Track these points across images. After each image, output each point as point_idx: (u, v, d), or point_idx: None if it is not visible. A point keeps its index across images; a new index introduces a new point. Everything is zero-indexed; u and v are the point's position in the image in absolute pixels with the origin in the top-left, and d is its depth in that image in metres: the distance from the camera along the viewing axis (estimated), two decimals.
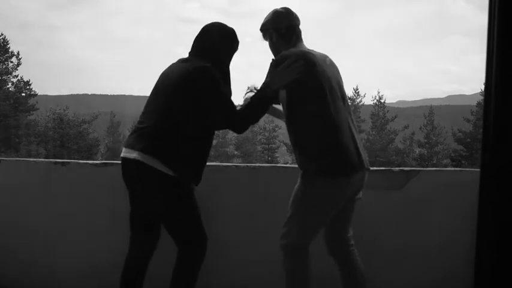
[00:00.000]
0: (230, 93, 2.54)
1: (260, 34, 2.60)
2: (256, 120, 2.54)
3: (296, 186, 2.41)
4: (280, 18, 2.50)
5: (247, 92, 2.70)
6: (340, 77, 2.53)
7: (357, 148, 2.38)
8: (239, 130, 2.53)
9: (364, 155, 2.42)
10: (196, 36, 2.57)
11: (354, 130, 2.43)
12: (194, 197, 2.46)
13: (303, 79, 2.35)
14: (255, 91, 2.62)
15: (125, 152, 2.45)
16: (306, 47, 2.49)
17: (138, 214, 2.54)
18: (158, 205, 2.43)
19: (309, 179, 2.35)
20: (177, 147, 2.37)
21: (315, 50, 2.51)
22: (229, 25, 2.59)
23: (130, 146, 2.42)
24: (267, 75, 2.45)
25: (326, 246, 2.51)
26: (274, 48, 2.55)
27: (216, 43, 2.52)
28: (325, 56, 2.51)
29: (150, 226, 2.55)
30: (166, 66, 2.59)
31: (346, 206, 2.43)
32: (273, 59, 2.46)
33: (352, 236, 2.51)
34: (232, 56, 2.60)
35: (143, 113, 2.51)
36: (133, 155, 2.38)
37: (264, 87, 2.46)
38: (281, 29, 2.49)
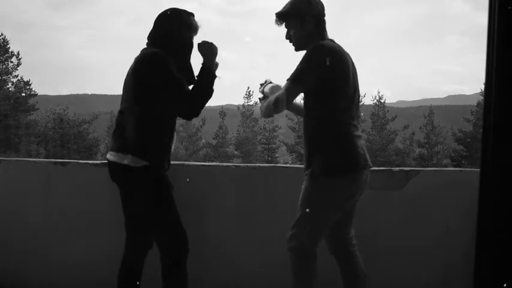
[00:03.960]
0: (188, 77, 2.52)
1: (275, 18, 2.43)
2: (204, 104, 2.51)
3: (303, 187, 2.39)
4: (317, 4, 2.39)
5: (265, 85, 2.62)
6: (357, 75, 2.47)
7: (362, 147, 2.38)
8: (188, 118, 2.55)
9: (367, 153, 2.43)
10: (153, 25, 2.56)
11: (359, 127, 2.43)
12: (171, 193, 2.47)
13: (332, 74, 2.30)
14: (271, 83, 2.60)
15: (107, 156, 2.52)
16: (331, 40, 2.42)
17: (127, 213, 2.55)
18: (138, 203, 2.46)
19: (316, 180, 2.34)
20: (145, 137, 2.42)
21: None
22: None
23: (110, 148, 2.52)
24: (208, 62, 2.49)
25: (327, 246, 2.51)
26: (305, 36, 2.38)
27: (166, 26, 2.51)
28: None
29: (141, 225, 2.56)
30: None
31: (352, 206, 2.44)
32: (315, 46, 2.30)
33: (354, 237, 2.51)
34: (185, 37, 2.54)
35: (117, 112, 2.56)
36: (112, 157, 2.46)
37: (207, 70, 2.48)
38: (319, 16, 2.39)
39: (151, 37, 2.54)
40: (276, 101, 2.37)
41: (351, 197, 2.38)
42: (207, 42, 2.52)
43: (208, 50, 2.52)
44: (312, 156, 2.37)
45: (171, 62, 2.41)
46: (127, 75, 2.51)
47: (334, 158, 2.32)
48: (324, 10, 2.43)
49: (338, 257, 2.51)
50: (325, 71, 2.28)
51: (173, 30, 2.51)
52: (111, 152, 2.47)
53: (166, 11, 2.55)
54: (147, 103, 2.41)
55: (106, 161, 2.55)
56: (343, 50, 2.38)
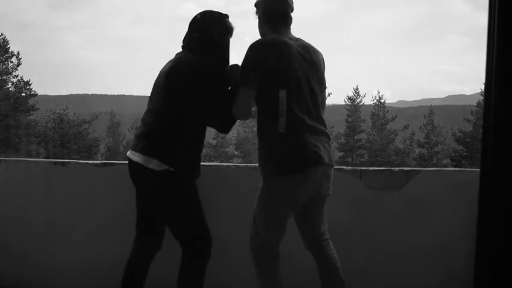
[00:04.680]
0: (229, 84, 2.47)
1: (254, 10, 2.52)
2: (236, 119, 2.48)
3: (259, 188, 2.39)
4: (272, 0, 2.42)
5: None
6: (317, 69, 2.40)
7: (315, 144, 2.28)
8: (225, 131, 2.50)
9: (326, 151, 2.32)
10: (188, 29, 2.52)
11: (316, 124, 2.32)
12: (198, 196, 2.46)
13: (271, 68, 2.28)
14: None
15: (128, 153, 2.47)
16: (289, 35, 2.40)
17: (142, 214, 2.55)
18: (161, 206, 2.44)
19: (266, 179, 2.32)
20: (174, 143, 2.38)
21: (303, 39, 2.43)
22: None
23: (133, 147, 2.45)
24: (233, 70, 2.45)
25: (303, 242, 2.50)
26: (259, 28, 2.49)
27: (204, 30, 2.46)
28: (306, 47, 2.40)
29: (153, 227, 2.55)
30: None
31: (312, 202, 2.39)
32: (250, 44, 2.34)
33: (326, 231, 2.47)
34: (223, 40, 2.50)
35: (144, 112, 2.51)
36: (134, 157, 2.40)
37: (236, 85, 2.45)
38: (269, 12, 2.42)
39: (189, 42, 2.48)
40: (234, 114, 2.40)
41: (301, 193, 2.31)
42: (238, 66, 2.48)
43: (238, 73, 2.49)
44: (262, 156, 2.36)
45: (209, 71, 2.38)
46: (159, 77, 2.45)
47: (281, 155, 2.27)
48: (281, 7, 2.40)
49: (313, 253, 2.49)
50: (263, 67, 2.28)
51: (211, 34, 2.45)
52: (135, 153, 2.40)
53: (201, 14, 2.50)
54: (180, 110, 2.37)
55: (125, 161, 2.50)
56: (285, 42, 2.33)
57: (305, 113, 2.30)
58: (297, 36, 2.46)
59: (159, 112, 2.41)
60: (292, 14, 2.48)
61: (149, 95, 2.53)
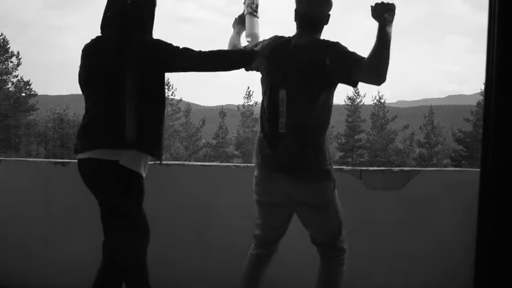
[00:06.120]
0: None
1: None
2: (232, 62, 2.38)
3: None
4: (296, 2, 2.41)
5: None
6: (308, 68, 2.25)
7: (262, 144, 2.33)
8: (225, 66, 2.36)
9: (291, 158, 2.24)
10: (114, 9, 2.34)
11: (284, 128, 2.27)
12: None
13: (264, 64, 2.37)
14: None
15: (81, 155, 2.33)
16: (299, 35, 2.35)
17: (104, 214, 2.46)
18: (114, 199, 2.35)
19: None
20: (148, 128, 2.28)
21: (318, 38, 2.36)
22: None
23: (95, 145, 2.28)
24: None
25: None
26: None
27: (139, 10, 2.32)
28: (305, 46, 2.30)
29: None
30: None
31: (298, 210, 2.36)
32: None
33: (328, 242, 2.37)
34: (152, 13, 2.38)
35: (91, 104, 2.32)
36: (86, 155, 2.28)
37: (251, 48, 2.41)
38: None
39: (132, 24, 2.29)
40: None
41: (270, 192, 2.34)
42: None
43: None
44: None
45: (161, 41, 2.31)
46: (106, 62, 2.27)
47: (255, 152, 2.41)
48: (297, 7, 2.38)
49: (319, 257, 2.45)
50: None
51: (147, 12, 2.35)
52: (102, 150, 2.22)
53: None
54: (158, 92, 2.31)
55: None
56: (283, 42, 2.36)
57: (281, 107, 2.27)
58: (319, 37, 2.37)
59: (128, 103, 2.22)
60: (307, 16, 2.35)
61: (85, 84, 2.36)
